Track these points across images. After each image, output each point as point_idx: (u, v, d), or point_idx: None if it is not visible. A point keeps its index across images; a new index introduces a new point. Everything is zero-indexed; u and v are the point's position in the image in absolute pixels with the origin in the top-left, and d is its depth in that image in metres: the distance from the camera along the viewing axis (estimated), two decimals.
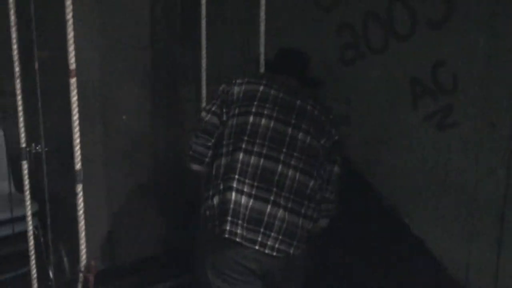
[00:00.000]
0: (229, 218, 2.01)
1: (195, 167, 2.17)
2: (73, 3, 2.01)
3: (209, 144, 2.13)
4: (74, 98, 2.05)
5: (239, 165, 2.04)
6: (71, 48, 2.02)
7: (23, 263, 2.53)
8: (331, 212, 2.20)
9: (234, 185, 2.02)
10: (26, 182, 2.34)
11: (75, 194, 2.13)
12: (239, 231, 2.00)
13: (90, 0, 2.84)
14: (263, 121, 2.08)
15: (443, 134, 2.38)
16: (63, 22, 2.01)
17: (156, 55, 3.20)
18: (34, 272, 2.41)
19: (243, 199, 2.01)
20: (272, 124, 2.08)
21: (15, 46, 2.24)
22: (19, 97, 2.28)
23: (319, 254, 2.35)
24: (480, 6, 2.20)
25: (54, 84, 2.54)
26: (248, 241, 2.01)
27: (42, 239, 2.75)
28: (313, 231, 2.13)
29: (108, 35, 2.94)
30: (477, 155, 2.27)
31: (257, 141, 2.06)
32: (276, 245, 2.02)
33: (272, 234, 2.02)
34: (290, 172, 2.05)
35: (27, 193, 2.34)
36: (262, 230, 2.01)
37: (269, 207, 2.02)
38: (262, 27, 2.60)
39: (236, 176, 2.03)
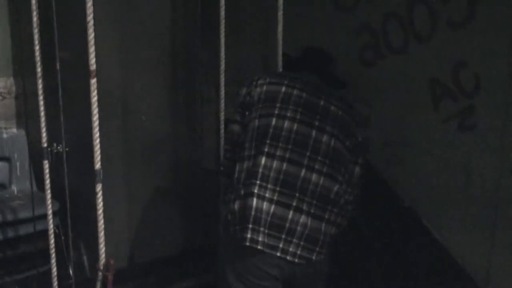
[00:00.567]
0: (250, 225, 1.97)
1: (224, 180, 2.17)
2: (94, 4, 2.03)
3: (235, 155, 2.11)
4: (94, 99, 2.07)
5: (260, 170, 2.00)
6: (92, 49, 2.04)
7: (44, 261, 2.57)
8: (349, 213, 2.16)
9: (256, 190, 1.98)
10: (47, 181, 2.37)
11: (95, 194, 2.16)
12: (260, 238, 1.97)
13: (111, 1, 2.86)
14: (286, 123, 2.03)
15: (464, 135, 2.35)
16: (84, 23, 2.04)
17: (176, 56, 3.21)
18: (54, 270, 2.44)
19: (265, 205, 1.98)
20: (295, 126, 2.03)
21: (37, 47, 2.27)
22: (41, 97, 2.31)
23: (337, 256, 2.33)
24: (503, 6, 2.17)
25: (75, 85, 2.56)
26: (270, 248, 1.98)
27: (62, 238, 2.78)
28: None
29: (128, 36, 2.96)
30: (499, 157, 2.24)
31: (280, 144, 2.01)
32: (298, 252, 1.99)
33: (294, 240, 1.98)
34: (314, 177, 2.01)
35: (48, 192, 2.37)
36: (283, 236, 1.98)
37: (291, 212, 1.98)
38: (280, 28, 2.59)
39: (258, 182, 1.99)
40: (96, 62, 2.06)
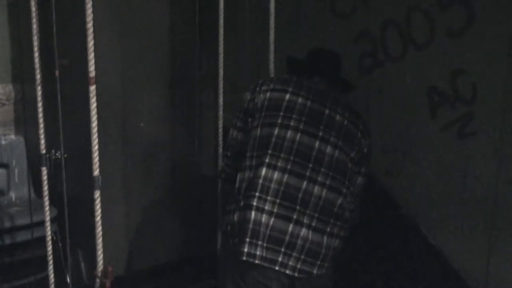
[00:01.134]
0: (248, 239, 1.93)
1: (226, 186, 2.13)
2: (93, 11, 2.04)
3: (237, 163, 2.07)
4: (94, 105, 2.07)
5: (260, 181, 1.95)
6: (91, 56, 2.04)
7: (42, 268, 2.56)
8: (351, 222, 2.12)
9: (254, 203, 1.94)
10: (46, 188, 2.36)
11: (93, 200, 2.15)
12: (258, 252, 1.93)
13: (110, 8, 2.87)
14: (289, 133, 1.97)
15: (463, 143, 2.36)
16: (84, 30, 2.04)
17: (175, 63, 3.22)
18: (52, 277, 2.43)
19: (264, 218, 1.93)
20: (298, 137, 1.97)
21: (36, 54, 2.28)
22: (40, 104, 2.31)
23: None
24: (500, 14, 2.18)
25: (74, 91, 2.57)
26: (268, 262, 1.94)
27: (60, 244, 2.77)
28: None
29: (127, 43, 2.96)
30: (497, 164, 2.24)
31: (282, 155, 1.96)
32: (298, 266, 1.95)
33: (294, 254, 1.94)
34: (316, 189, 1.95)
35: (46, 199, 2.37)
36: (283, 249, 1.93)
37: (291, 226, 1.93)
38: (272, 35, 2.60)
39: (257, 194, 1.94)
40: (95, 69, 2.06)
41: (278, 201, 1.94)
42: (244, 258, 1.94)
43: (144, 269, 3.16)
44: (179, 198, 3.33)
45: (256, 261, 1.93)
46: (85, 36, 2.03)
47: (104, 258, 2.19)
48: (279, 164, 1.96)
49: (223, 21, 2.67)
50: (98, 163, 2.12)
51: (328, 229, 1.98)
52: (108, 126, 2.84)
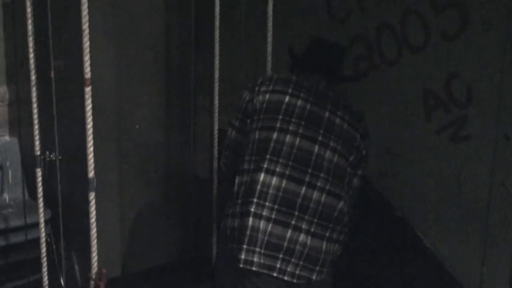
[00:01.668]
0: (245, 246, 1.91)
1: (224, 188, 2.12)
2: (89, 13, 2.03)
3: (235, 164, 2.06)
4: (89, 107, 2.07)
5: (259, 187, 1.92)
6: (87, 57, 2.04)
7: (35, 270, 2.55)
8: (348, 225, 2.09)
9: (252, 209, 1.91)
10: (40, 189, 2.35)
11: (87, 202, 2.15)
12: (255, 259, 1.91)
13: (106, 10, 2.87)
14: (288, 138, 1.95)
15: (457, 146, 2.36)
16: (79, 32, 2.04)
17: (170, 65, 3.22)
18: (45, 279, 2.42)
19: (262, 224, 1.90)
20: (297, 141, 1.95)
21: (31, 55, 2.27)
22: (34, 105, 2.30)
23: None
24: (495, 18, 2.19)
25: (69, 93, 2.56)
26: (266, 268, 1.92)
27: (54, 246, 2.77)
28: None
29: (123, 45, 2.97)
30: (492, 167, 2.25)
31: (280, 160, 1.93)
32: (297, 272, 1.93)
33: (293, 260, 1.92)
34: (316, 194, 1.93)
35: (41, 200, 2.36)
36: (281, 256, 1.91)
37: (289, 231, 1.91)
38: (270, 38, 2.60)
39: (255, 200, 1.92)
40: (91, 70, 2.06)
41: (276, 207, 1.92)
42: (241, 266, 1.92)
43: (138, 271, 3.16)
44: (174, 200, 3.33)
45: (254, 268, 1.91)
46: (80, 38, 2.03)
47: (99, 260, 2.18)
48: (277, 169, 1.93)
49: (219, 24, 2.67)
50: (93, 165, 2.12)
51: (328, 234, 1.96)
52: (103, 128, 2.83)
